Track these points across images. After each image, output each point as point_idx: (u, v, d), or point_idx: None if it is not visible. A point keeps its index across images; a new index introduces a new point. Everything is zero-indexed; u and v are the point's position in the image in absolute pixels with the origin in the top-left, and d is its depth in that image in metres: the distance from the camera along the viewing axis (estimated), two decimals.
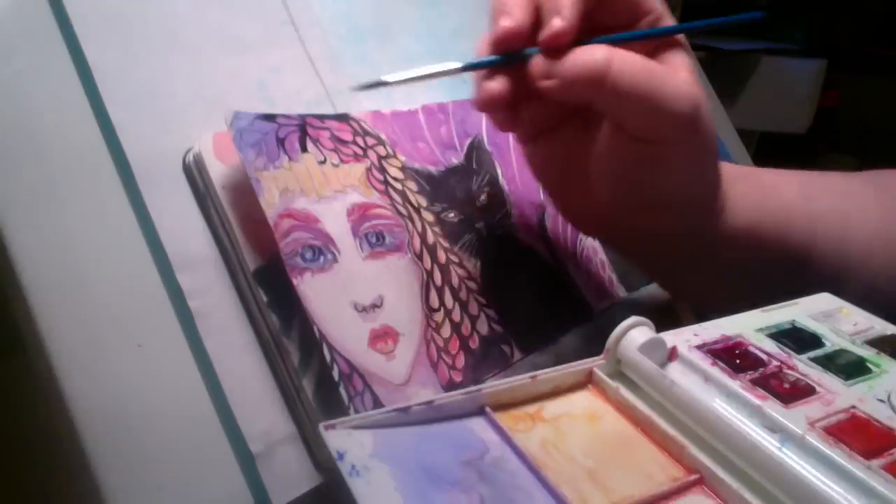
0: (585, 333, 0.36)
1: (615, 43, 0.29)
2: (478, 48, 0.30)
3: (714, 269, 0.35)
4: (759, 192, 0.34)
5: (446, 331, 0.30)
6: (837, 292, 0.35)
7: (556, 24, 0.27)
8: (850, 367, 0.24)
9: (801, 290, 0.35)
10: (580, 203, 0.33)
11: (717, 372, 0.23)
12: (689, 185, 0.31)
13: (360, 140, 0.32)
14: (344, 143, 0.31)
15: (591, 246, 0.40)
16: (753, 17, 0.35)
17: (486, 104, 0.29)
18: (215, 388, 0.26)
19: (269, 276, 0.27)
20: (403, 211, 0.32)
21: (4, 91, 0.26)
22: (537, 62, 0.28)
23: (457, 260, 0.32)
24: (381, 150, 0.32)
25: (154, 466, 0.25)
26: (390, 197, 0.31)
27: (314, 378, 0.27)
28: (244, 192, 0.28)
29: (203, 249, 0.28)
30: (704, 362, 0.23)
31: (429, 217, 0.32)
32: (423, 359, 0.29)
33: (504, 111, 0.31)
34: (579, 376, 0.24)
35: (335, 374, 0.26)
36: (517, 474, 0.20)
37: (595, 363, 0.24)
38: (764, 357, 0.24)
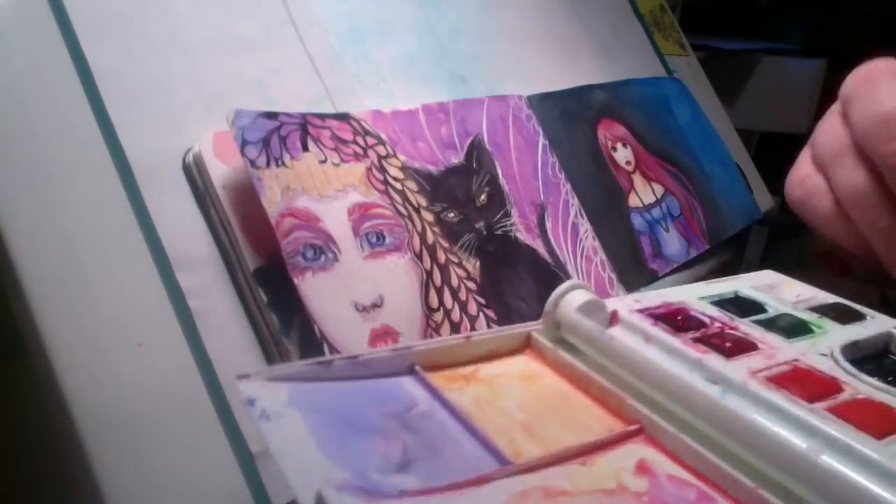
0: None
1: None
2: None
3: None
4: None
5: (445, 331, 0.30)
6: None
7: None
8: (792, 328, 0.23)
9: None
10: None
11: (659, 332, 0.22)
12: None
13: (360, 140, 0.32)
14: (344, 142, 0.31)
15: (592, 246, 0.40)
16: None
17: None
18: (215, 387, 0.26)
19: (268, 276, 0.27)
20: (403, 211, 0.32)
21: (4, 91, 0.26)
22: None
23: (456, 260, 0.32)
24: (382, 150, 0.32)
25: (154, 465, 0.25)
26: (390, 197, 0.31)
27: None
28: (244, 191, 0.28)
29: (203, 249, 0.28)
30: (645, 323, 0.23)
31: (428, 217, 0.32)
32: None
33: None
34: (517, 340, 0.23)
35: None
36: (445, 425, 0.20)
37: (533, 327, 0.24)
38: (706, 320, 0.24)
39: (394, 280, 0.30)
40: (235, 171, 0.28)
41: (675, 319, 0.23)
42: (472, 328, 0.31)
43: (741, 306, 0.25)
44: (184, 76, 0.29)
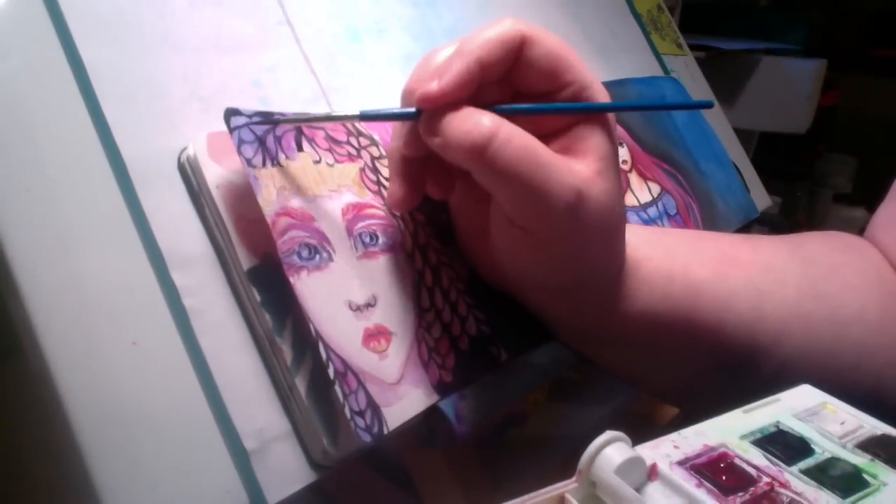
0: None
1: (517, 113, 0.27)
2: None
3: (617, 344, 0.34)
4: (664, 277, 0.33)
5: (437, 331, 0.30)
6: (749, 372, 0.35)
7: (432, 87, 0.26)
8: (845, 481, 0.23)
9: (713, 368, 0.35)
10: (482, 253, 0.32)
11: (704, 495, 0.21)
12: (570, 273, 0.30)
13: (353, 140, 0.32)
14: (338, 143, 0.31)
15: None
16: (703, 105, 0.35)
17: (398, 207, 0.30)
18: (210, 385, 0.26)
19: (262, 276, 0.27)
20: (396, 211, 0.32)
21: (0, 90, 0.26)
22: (426, 116, 0.27)
23: (447, 261, 0.32)
24: (374, 151, 0.32)
25: (149, 464, 0.25)
26: (383, 197, 0.32)
27: (307, 376, 0.27)
28: (238, 191, 0.28)
29: (198, 248, 0.28)
30: (689, 483, 0.22)
31: (420, 217, 0.32)
32: (414, 358, 0.29)
33: (436, 193, 0.30)
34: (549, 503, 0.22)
35: (330, 372, 0.26)
36: None
37: (567, 488, 0.22)
38: (752, 472, 0.23)
39: (387, 280, 0.30)
40: (229, 171, 0.28)
41: (719, 473, 0.22)
42: (463, 329, 0.31)
43: (786, 447, 0.24)
44: (179, 75, 0.30)
